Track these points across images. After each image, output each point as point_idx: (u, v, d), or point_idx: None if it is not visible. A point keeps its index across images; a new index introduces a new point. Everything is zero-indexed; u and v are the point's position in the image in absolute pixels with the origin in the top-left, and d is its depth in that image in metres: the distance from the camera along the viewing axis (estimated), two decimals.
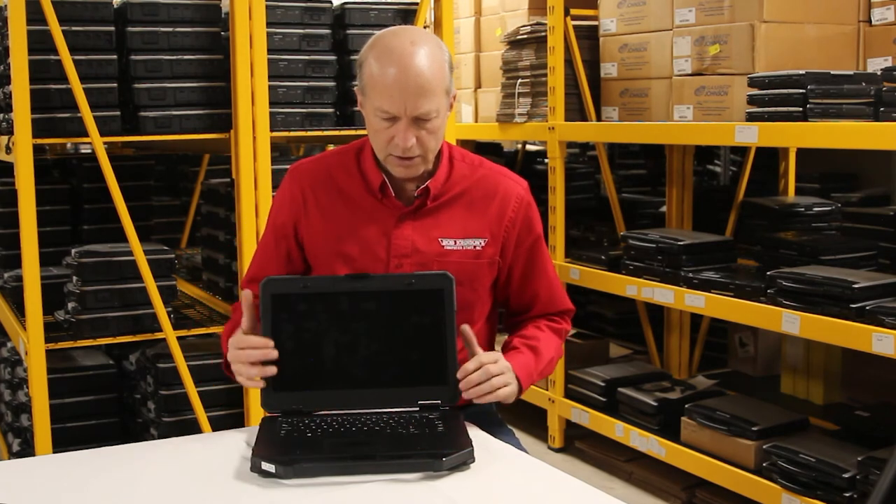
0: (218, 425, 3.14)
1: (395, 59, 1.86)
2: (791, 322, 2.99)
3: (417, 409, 1.85)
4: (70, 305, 3.22)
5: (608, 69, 3.99)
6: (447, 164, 2.03)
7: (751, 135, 3.09)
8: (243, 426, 2.65)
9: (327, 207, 2.03)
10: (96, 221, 3.71)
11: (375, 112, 1.90)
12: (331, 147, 3.15)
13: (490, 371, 1.84)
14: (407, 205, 2.01)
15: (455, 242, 2.00)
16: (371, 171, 2.00)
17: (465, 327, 1.89)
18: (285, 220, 2.05)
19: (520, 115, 4.29)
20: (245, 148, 3.14)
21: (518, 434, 2.17)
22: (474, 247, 2.01)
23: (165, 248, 3.35)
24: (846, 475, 2.92)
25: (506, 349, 2.04)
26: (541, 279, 2.10)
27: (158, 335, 3.20)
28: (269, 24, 3.16)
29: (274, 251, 2.07)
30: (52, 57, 2.97)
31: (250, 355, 1.81)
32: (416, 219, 2.00)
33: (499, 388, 1.85)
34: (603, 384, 3.96)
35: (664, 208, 4.43)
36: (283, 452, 1.66)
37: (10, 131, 3.03)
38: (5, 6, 2.96)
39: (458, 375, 1.83)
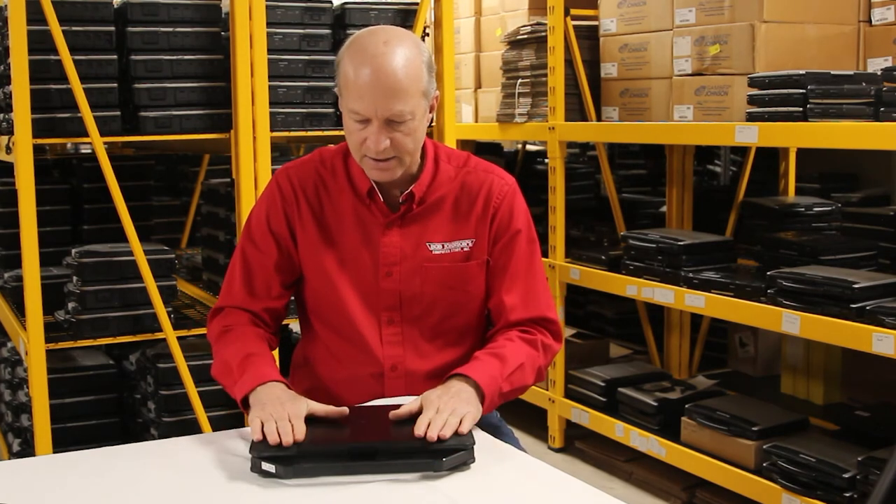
0: (218, 425, 3.14)
1: (367, 60, 1.81)
2: (791, 322, 2.99)
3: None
4: (70, 305, 3.22)
5: (608, 69, 3.99)
6: (432, 165, 1.99)
7: (751, 135, 3.09)
8: (243, 426, 2.64)
9: (318, 211, 1.99)
10: (96, 221, 3.71)
11: (349, 114, 1.85)
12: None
13: (434, 401, 1.72)
14: (393, 210, 1.97)
15: (443, 246, 1.97)
16: (359, 176, 1.96)
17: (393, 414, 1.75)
18: (280, 221, 1.99)
19: (520, 115, 4.29)
20: (245, 148, 3.14)
21: (518, 434, 2.17)
22: (462, 248, 1.97)
23: (165, 248, 3.34)
24: (846, 475, 2.91)
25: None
26: (515, 278, 1.98)
27: (158, 335, 3.20)
28: (269, 24, 3.16)
29: (277, 259, 1.99)
30: (52, 57, 2.96)
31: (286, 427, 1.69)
32: (403, 225, 1.97)
33: (455, 411, 1.71)
34: (603, 384, 3.96)
35: (664, 208, 4.43)
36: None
37: (10, 131, 3.03)
38: (5, 6, 2.96)
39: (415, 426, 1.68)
